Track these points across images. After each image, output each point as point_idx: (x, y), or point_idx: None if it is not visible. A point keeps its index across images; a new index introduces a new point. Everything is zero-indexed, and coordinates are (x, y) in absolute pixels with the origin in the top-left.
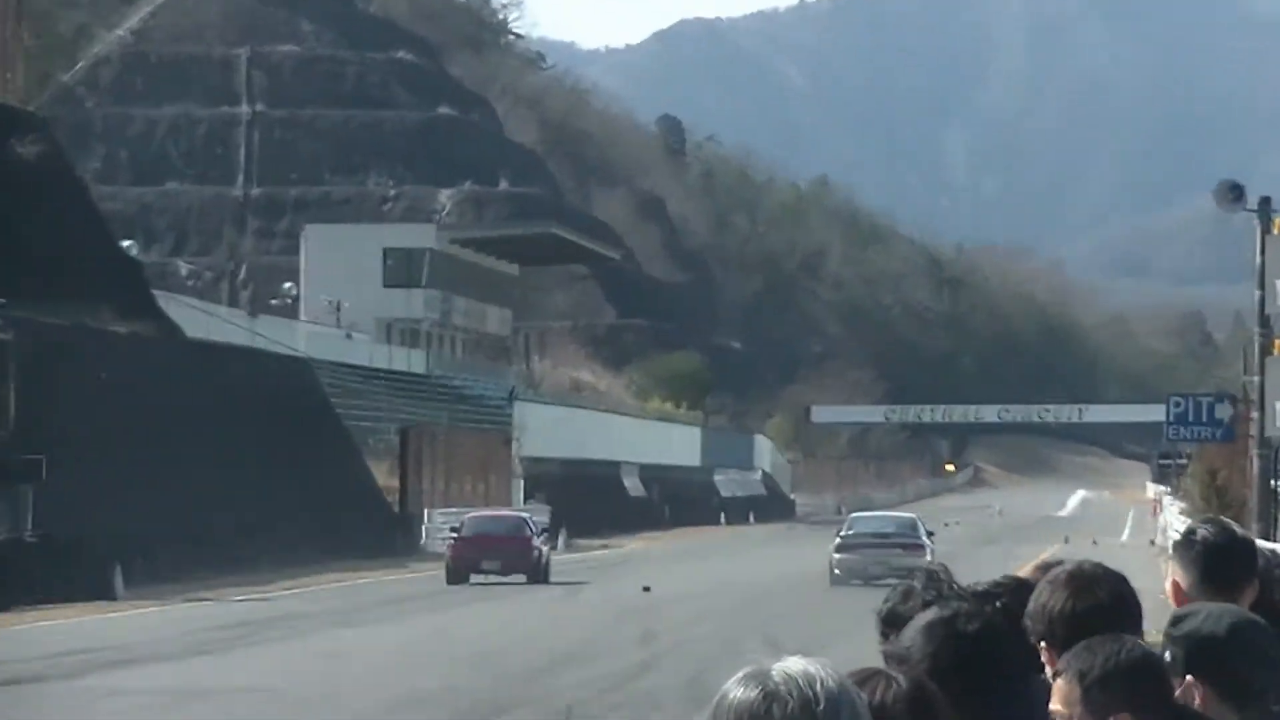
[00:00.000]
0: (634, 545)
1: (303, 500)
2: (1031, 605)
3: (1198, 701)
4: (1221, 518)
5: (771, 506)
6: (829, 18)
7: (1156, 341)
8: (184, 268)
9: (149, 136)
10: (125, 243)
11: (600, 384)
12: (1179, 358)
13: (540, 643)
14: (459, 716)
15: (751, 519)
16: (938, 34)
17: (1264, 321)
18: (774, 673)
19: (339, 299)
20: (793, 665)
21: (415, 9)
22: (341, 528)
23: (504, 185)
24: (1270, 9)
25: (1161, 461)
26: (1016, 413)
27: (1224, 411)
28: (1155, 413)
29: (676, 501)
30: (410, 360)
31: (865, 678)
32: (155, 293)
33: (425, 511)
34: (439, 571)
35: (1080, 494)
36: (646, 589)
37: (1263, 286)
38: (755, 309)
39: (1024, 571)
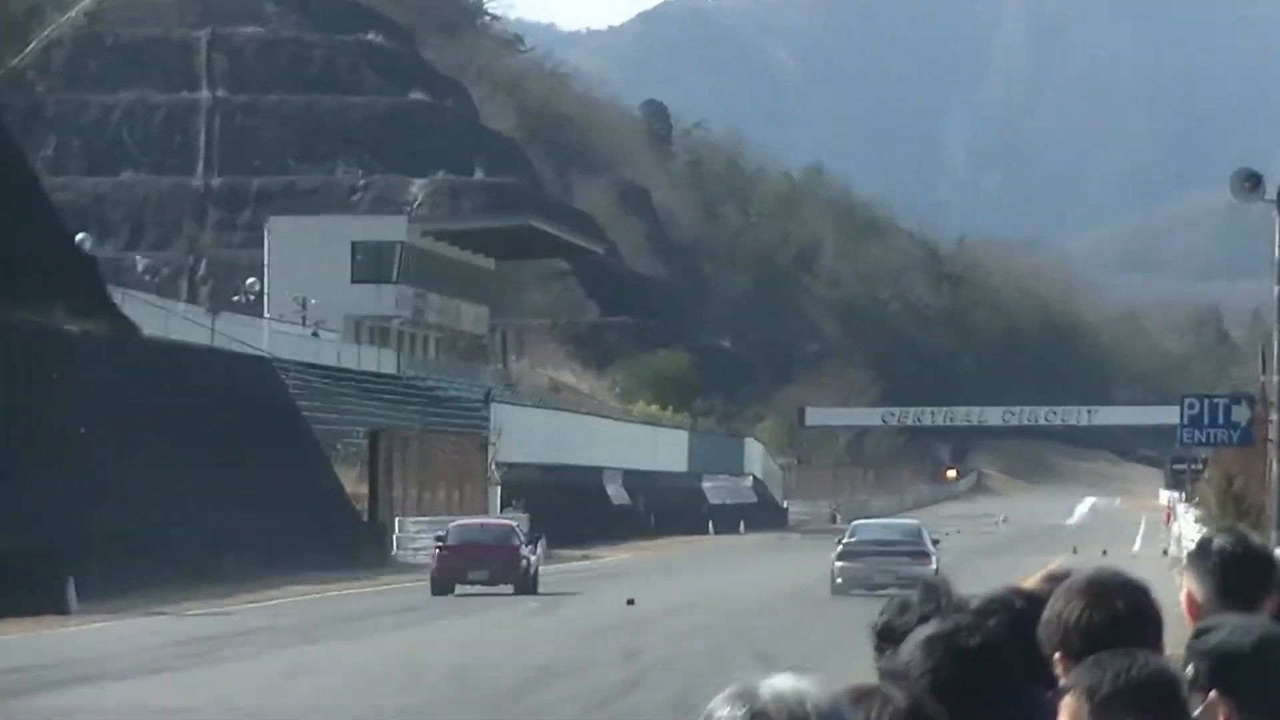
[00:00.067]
0: (617, 556)
1: (266, 509)
2: (1046, 614)
3: None
4: (1239, 526)
5: (763, 515)
6: None
7: (1169, 339)
8: (141, 262)
9: (104, 123)
10: (79, 236)
11: (582, 385)
12: (1193, 357)
13: (518, 659)
14: None
15: (742, 528)
16: (936, 17)
17: None
18: (762, 691)
19: (305, 295)
20: (782, 683)
21: None
22: (307, 538)
23: (479, 175)
24: None
25: (1175, 466)
26: (1021, 415)
27: (1241, 413)
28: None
29: (662, 510)
30: (380, 360)
31: (860, 696)
32: (110, 289)
33: (396, 520)
34: (411, 584)
35: (1089, 501)
36: (630, 602)
37: None
38: (746, 306)
39: (1030, 583)
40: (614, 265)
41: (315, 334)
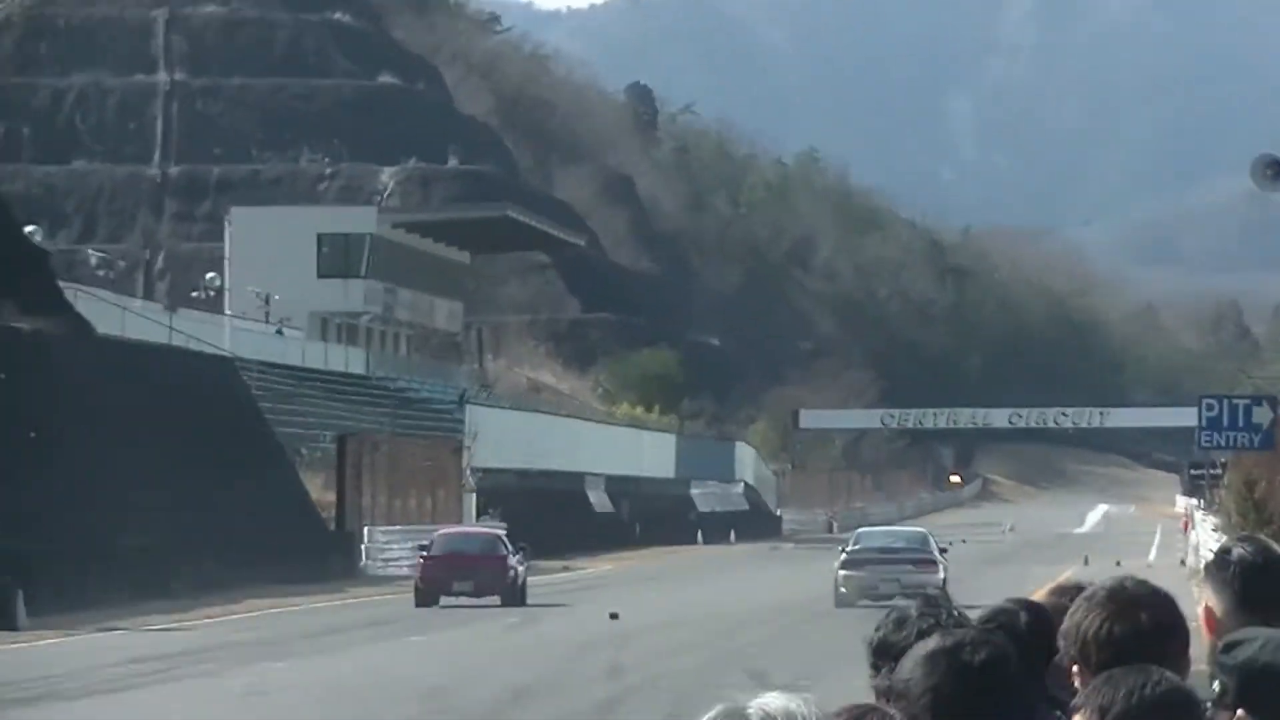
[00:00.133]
0: (600, 567)
1: (227, 518)
2: (1065, 624)
3: None
4: (1260, 535)
5: (755, 523)
6: None
7: (1187, 336)
8: (94, 256)
9: (55, 109)
10: (29, 228)
11: (562, 386)
12: (1212, 354)
13: (493, 676)
14: None
15: (732, 537)
16: None
17: None
18: (751, 711)
19: (268, 291)
20: (772, 702)
21: None
22: (271, 548)
23: (453, 163)
24: None
25: (1193, 472)
26: (1030, 417)
27: (1263, 415)
28: (1186, 417)
29: (648, 518)
30: (348, 360)
31: (857, 716)
32: (62, 284)
33: (365, 530)
34: (381, 596)
35: (1102, 509)
36: (614, 616)
37: None
38: (736, 301)
39: (1038, 595)
40: (596, 258)
41: (279, 332)
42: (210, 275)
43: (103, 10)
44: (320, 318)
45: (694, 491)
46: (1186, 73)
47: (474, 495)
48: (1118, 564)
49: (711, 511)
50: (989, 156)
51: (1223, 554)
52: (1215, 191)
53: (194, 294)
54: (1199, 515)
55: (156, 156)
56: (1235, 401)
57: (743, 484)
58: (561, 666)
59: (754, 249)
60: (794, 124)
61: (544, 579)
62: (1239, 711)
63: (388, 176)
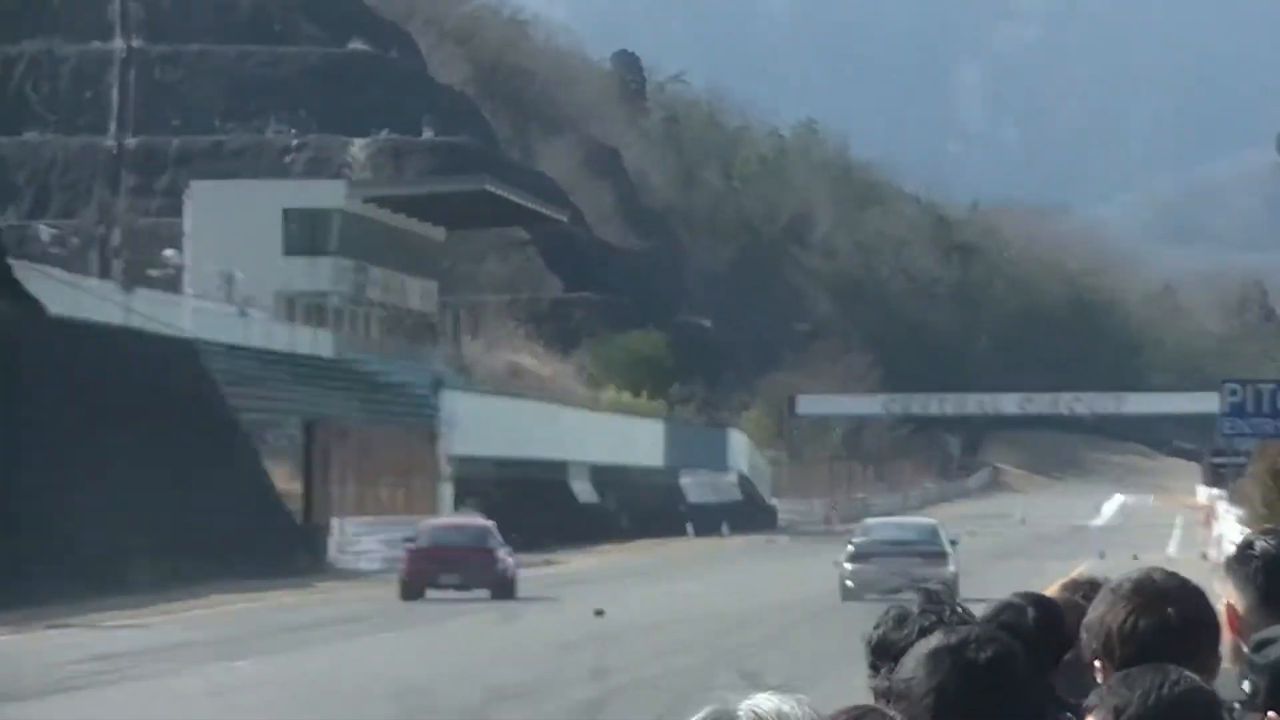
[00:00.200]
0: (584, 561)
1: (188, 509)
2: (1089, 616)
3: None
4: None
5: (749, 515)
6: None
7: (1209, 318)
8: (46, 232)
9: (4, 78)
10: None
11: (544, 369)
12: (1236, 337)
13: (471, 676)
14: None
15: (725, 530)
16: None
17: None
18: (741, 712)
19: (231, 269)
20: (764, 704)
21: None
22: (234, 541)
23: (428, 134)
24: None
25: (1215, 460)
26: (1042, 403)
27: None
28: (1207, 402)
29: (635, 509)
30: (316, 342)
31: (855, 718)
32: (11, 262)
33: (334, 522)
34: (353, 591)
35: (1118, 499)
36: (599, 613)
37: None
38: (729, 280)
39: (1051, 590)
40: (580, 234)
41: (243, 313)
42: (169, 252)
43: None
44: (286, 298)
45: (684, 481)
46: (1209, 40)
47: (450, 485)
48: (1135, 558)
49: (703, 502)
50: (998, 128)
51: (1245, 548)
52: (1239, 165)
53: (152, 272)
54: (1221, 506)
55: (113, 127)
56: (1260, 386)
57: (736, 474)
58: (543, 666)
59: (747, 225)
60: (790, 93)
61: (526, 573)
62: (1270, 713)
63: (358, 148)
